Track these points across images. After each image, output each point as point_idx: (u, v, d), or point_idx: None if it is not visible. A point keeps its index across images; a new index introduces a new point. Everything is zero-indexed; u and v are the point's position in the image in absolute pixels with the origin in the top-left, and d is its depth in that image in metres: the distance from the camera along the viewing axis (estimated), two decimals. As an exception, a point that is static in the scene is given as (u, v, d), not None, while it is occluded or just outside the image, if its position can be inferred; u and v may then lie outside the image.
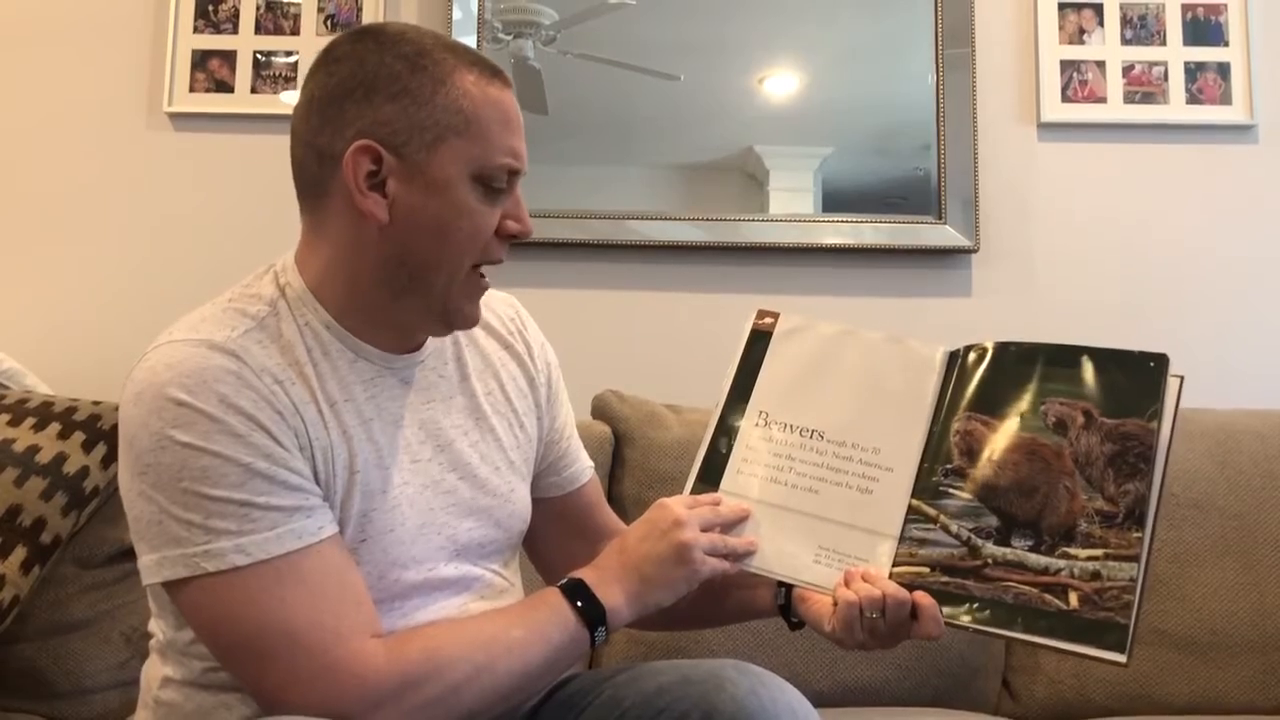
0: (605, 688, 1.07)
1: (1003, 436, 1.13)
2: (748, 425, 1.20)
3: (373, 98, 1.02)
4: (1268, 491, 1.75)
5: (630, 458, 1.78)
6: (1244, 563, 1.72)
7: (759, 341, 1.24)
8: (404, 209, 1.02)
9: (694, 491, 1.17)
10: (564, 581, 1.08)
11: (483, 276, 1.08)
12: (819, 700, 1.04)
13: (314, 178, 1.05)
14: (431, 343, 1.14)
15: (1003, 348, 1.18)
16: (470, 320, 1.10)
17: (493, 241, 1.06)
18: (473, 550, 1.13)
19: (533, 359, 1.23)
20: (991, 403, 1.15)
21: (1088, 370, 1.14)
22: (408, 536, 1.06)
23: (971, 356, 1.19)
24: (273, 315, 1.05)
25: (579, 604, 1.05)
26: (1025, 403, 1.14)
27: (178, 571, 0.96)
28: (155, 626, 1.11)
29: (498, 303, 1.24)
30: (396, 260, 1.04)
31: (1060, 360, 1.15)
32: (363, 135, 1.01)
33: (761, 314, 1.26)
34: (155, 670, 1.10)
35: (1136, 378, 1.12)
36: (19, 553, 1.52)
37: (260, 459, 0.97)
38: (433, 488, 1.09)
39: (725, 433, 1.20)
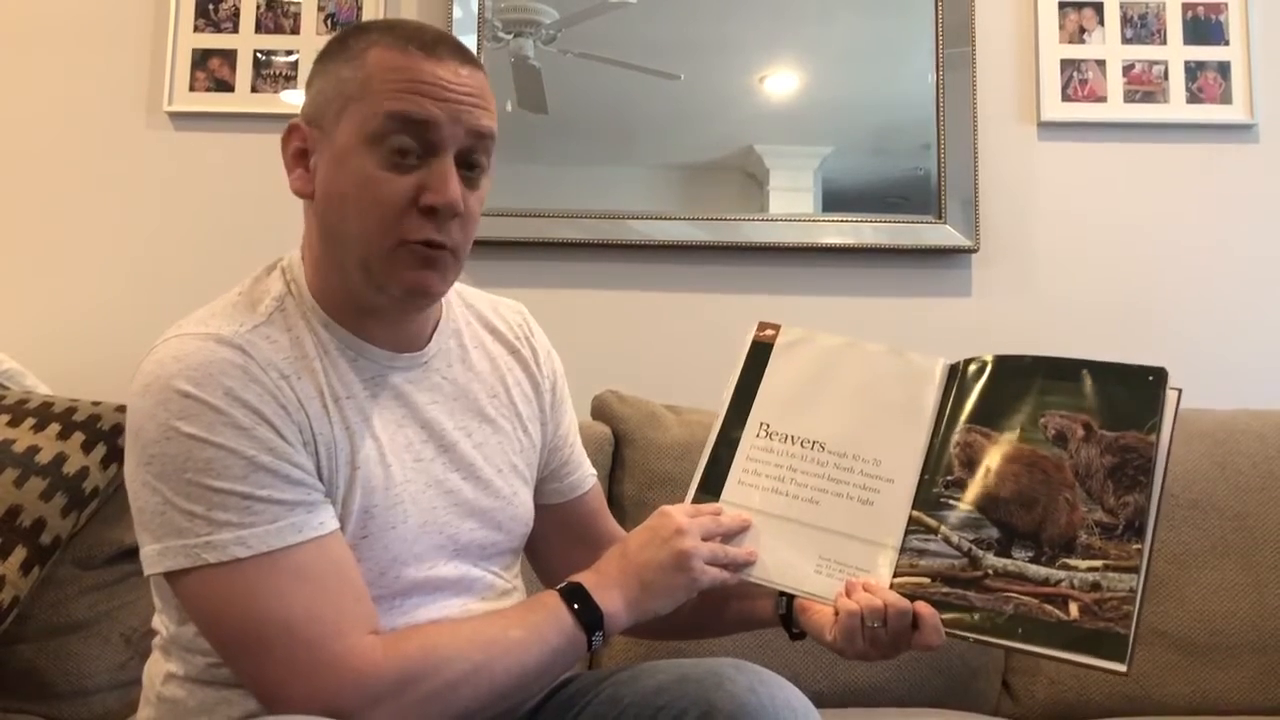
0: (605, 686, 1.08)
1: (1003, 448, 1.14)
2: (749, 436, 1.20)
3: (312, 81, 1.08)
4: (1268, 491, 1.75)
5: (630, 458, 1.78)
6: (1244, 563, 1.72)
7: (760, 353, 1.25)
8: (320, 182, 1.06)
9: (695, 501, 1.18)
10: (563, 585, 1.09)
11: (430, 247, 1.03)
12: (819, 701, 1.04)
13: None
14: (437, 344, 1.14)
15: (1002, 360, 1.19)
16: (417, 288, 1.04)
17: (407, 215, 1.02)
18: (474, 551, 1.13)
19: (538, 365, 1.24)
20: (991, 415, 1.16)
21: (1087, 383, 1.15)
22: (409, 534, 1.07)
23: (971, 369, 1.19)
24: (280, 311, 1.06)
25: (577, 607, 1.06)
26: (1025, 415, 1.15)
27: (179, 562, 0.96)
28: (158, 623, 1.11)
29: (505, 309, 1.25)
30: (327, 237, 1.06)
31: (1060, 373, 1.16)
32: (300, 116, 1.07)
33: (762, 326, 1.26)
34: (158, 666, 1.11)
35: (1136, 391, 1.13)
36: (19, 553, 1.52)
37: (264, 453, 0.97)
38: (435, 487, 1.10)
39: (726, 443, 1.20)
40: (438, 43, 1.05)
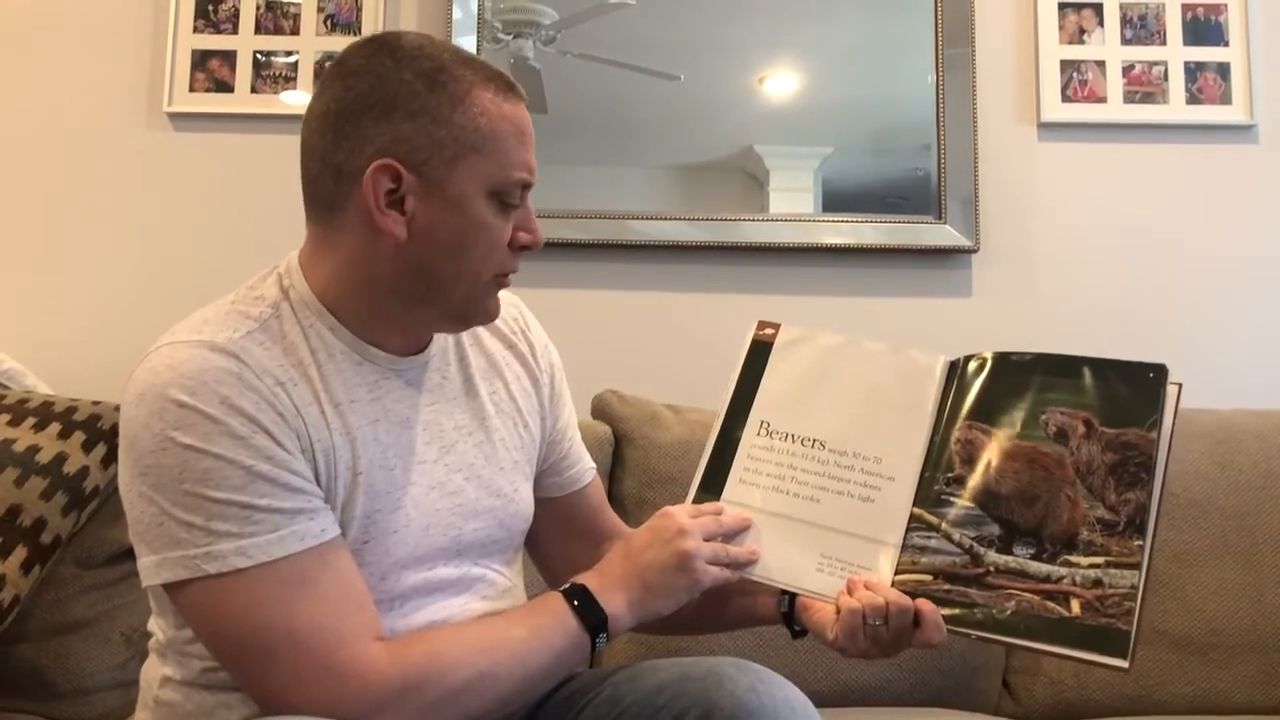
0: (605, 685, 1.08)
1: (1003, 445, 1.14)
2: (749, 435, 1.20)
3: (392, 115, 1.01)
4: (1268, 491, 1.75)
5: (630, 458, 1.78)
6: (1244, 563, 1.72)
7: (760, 353, 1.25)
8: (422, 226, 1.03)
9: (696, 501, 1.18)
10: (566, 586, 1.08)
11: (500, 278, 1.09)
12: (819, 700, 1.04)
13: (329, 193, 1.05)
14: (436, 344, 1.14)
15: (1002, 358, 1.19)
16: (490, 316, 1.11)
17: (506, 253, 1.07)
18: (475, 550, 1.13)
19: (536, 359, 1.23)
20: (992, 412, 1.16)
21: (1087, 380, 1.15)
22: (412, 538, 1.06)
23: (972, 366, 1.19)
24: (275, 317, 1.05)
25: (581, 610, 1.05)
26: (1025, 412, 1.15)
27: (178, 573, 0.95)
28: (155, 626, 1.11)
29: (501, 303, 1.24)
30: (413, 274, 1.04)
31: (1060, 370, 1.16)
32: (382, 153, 1.01)
33: (762, 325, 1.26)
34: (155, 670, 1.10)
35: (1136, 388, 1.13)
36: (19, 553, 1.52)
37: (262, 461, 0.96)
38: (438, 489, 1.09)
39: (727, 443, 1.20)
40: (513, 84, 1.07)
